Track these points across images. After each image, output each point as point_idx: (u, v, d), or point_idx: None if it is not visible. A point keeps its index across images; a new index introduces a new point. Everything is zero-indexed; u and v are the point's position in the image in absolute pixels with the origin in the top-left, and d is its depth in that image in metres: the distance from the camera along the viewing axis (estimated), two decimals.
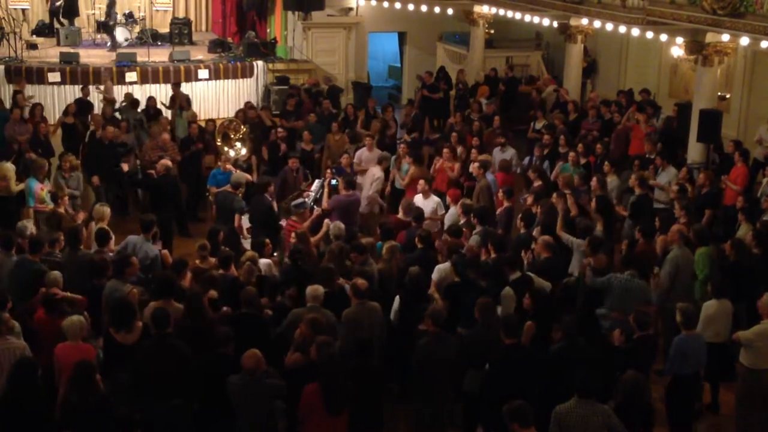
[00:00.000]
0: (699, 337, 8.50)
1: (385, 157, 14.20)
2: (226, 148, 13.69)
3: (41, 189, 12.08)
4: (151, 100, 17.55)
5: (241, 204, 12.00)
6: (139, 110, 16.93)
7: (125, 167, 13.82)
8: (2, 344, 7.59)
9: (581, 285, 9.78)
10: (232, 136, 13.81)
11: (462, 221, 11.38)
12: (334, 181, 12.43)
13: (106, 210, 11.07)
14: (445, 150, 14.05)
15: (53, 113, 17.94)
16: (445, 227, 11.50)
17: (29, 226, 10.32)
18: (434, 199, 12.41)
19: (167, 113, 17.22)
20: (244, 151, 13.88)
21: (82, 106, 16.90)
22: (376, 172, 13.77)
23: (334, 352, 7.42)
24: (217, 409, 7.49)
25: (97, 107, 17.30)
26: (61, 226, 10.62)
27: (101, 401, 6.95)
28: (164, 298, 8.40)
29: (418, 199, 12.33)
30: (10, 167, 12.86)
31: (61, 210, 11.38)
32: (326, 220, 11.28)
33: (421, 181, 12.66)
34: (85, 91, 17.53)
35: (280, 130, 15.18)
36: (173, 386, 7.33)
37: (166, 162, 13.10)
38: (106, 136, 14.22)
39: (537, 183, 12.79)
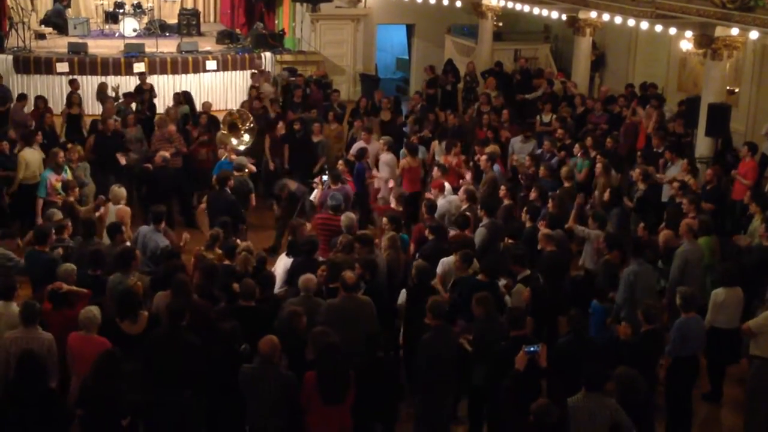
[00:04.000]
0: (698, 320, 8.62)
1: (391, 141, 14.14)
2: (232, 139, 13.67)
3: (56, 180, 12.09)
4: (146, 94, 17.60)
5: (249, 185, 12.18)
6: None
7: (122, 160, 13.77)
8: (31, 333, 7.63)
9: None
10: (240, 126, 13.77)
11: (464, 207, 11.43)
12: (325, 177, 12.40)
13: (122, 191, 11.13)
14: (455, 148, 14.01)
15: (61, 104, 17.89)
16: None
17: (56, 212, 10.35)
18: (446, 186, 12.40)
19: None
20: (247, 138, 13.85)
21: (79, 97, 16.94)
22: (386, 158, 13.70)
23: (333, 341, 7.42)
24: (226, 402, 7.52)
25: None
26: (74, 215, 10.66)
27: (118, 391, 7.01)
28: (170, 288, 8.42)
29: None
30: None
31: (71, 199, 11.39)
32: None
33: (435, 168, 12.76)
34: (75, 85, 17.53)
35: (296, 124, 15.13)
36: (183, 378, 7.36)
37: (164, 154, 13.12)
38: (108, 128, 14.31)
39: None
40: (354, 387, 7.31)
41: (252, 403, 7.31)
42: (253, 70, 20.31)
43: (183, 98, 17.12)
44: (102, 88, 17.32)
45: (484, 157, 13.07)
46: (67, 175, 12.31)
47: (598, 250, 10.25)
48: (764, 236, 10.20)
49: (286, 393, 7.21)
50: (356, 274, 8.73)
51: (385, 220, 10.59)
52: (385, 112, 16.80)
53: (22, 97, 16.32)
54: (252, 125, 13.89)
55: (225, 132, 13.84)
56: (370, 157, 14.09)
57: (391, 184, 13.28)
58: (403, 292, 9.01)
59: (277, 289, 9.35)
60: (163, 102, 18.38)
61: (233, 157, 13.20)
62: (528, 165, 13.13)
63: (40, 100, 16.22)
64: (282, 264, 9.76)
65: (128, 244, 9.87)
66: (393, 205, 11.58)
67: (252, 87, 18.16)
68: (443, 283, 9.40)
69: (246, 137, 13.74)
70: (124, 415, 7.17)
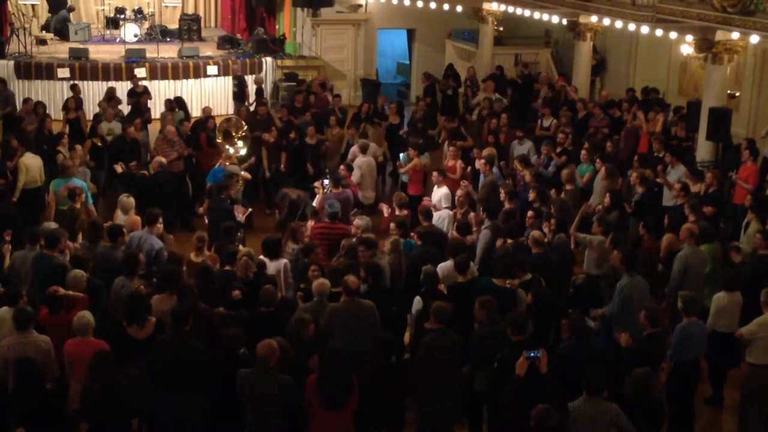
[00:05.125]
0: (700, 324, 8.61)
1: (367, 144, 14.12)
2: (226, 146, 13.71)
3: (65, 188, 12.02)
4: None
5: (237, 196, 12.16)
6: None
7: (119, 168, 13.75)
8: (27, 338, 7.63)
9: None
10: (234, 134, 13.83)
11: (463, 210, 11.50)
12: (326, 181, 12.39)
13: (131, 201, 11.11)
14: (451, 149, 14.06)
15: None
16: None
17: (52, 226, 10.34)
18: (444, 189, 12.42)
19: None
20: (243, 151, 13.91)
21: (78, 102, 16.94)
22: (360, 161, 13.72)
23: (337, 346, 7.42)
24: (228, 407, 7.52)
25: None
26: (76, 222, 10.66)
27: (121, 393, 7.02)
28: (168, 291, 8.44)
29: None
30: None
31: (78, 206, 11.37)
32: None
33: (435, 173, 12.78)
34: (77, 89, 17.57)
35: (293, 134, 15.14)
36: (187, 382, 7.37)
37: (160, 159, 13.11)
38: (128, 135, 14.31)
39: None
40: (357, 393, 7.29)
41: (250, 407, 7.29)
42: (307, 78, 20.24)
43: (176, 104, 17.14)
44: (111, 93, 17.34)
45: (482, 161, 13.11)
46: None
47: (603, 252, 10.25)
48: (761, 245, 10.20)
49: (283, 397, 7.19)
50: (359, 278, 8.72)
51: (392, 225, 10.59)
52: (393, 116, 16.86)
53: (26, 102, 16.34)
54: (245, 133, 13.97)
55: (220, 140, 13.92)
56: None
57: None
58: (417, 300, 8.97)
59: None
60: (158, 107, 18.39)
61: (227, 164, 13.24)
62: (520, 169, 13.11)
63: (39, 105, 16.23)
64: (273, 267, 9.68)
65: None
66: (390, 211, 11.58)
67: (311, 93, 18.13)
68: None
69: (240, 144, 13.82)
70: (131, 417, 7.19)
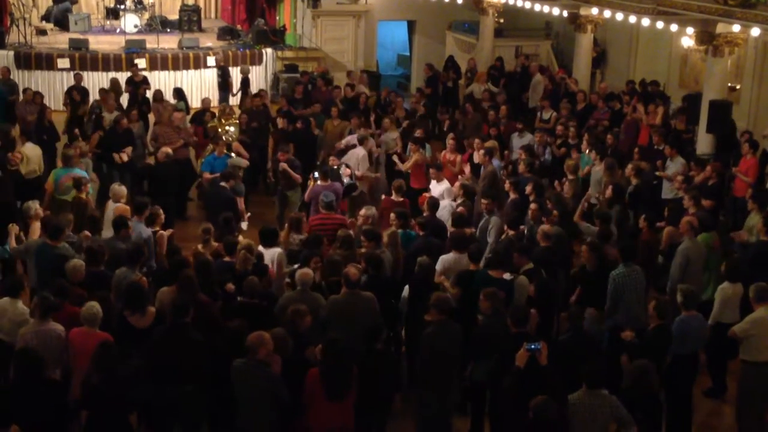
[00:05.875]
0: (699, 318, 8.58)
1: (365, 136, 14.18)
2: (218, 130, 13.87)
3: (67, 179, 12.01)
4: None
5: (240, 187, 12.11)
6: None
7: (124, 157, 13.74)
8: (46, 326, 7.69)
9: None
10: (223, 120, 13.97)
11: (459, 201, 11.51)
12: (317, 173, 12.40)
13: (123, 189, 11.12)
14: (450, 141, 14.07)
15: (62, 100, 17.91)
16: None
17: (33, 207, 10.35)
18: (445, 183, 12.43)
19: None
20: (232, 129, 14.01)
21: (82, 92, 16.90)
22: (359, 152, 13.72)
23: (338, 338, 7.44)
24: (227, 399, 7.53)
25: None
26: (84, 212, 10.69)
27: (122, 384, 7.03)
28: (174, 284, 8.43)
29: (432, 184, 12.53)
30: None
31: (83, 196, 11.37)
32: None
33: (432, 169, 12.76)
34: (78, 77, 17.55)
35: (298, 123, 15.14)
36: (185, 374, 7.38)
37: (167, 149, 13.07)
38: (121, 125, 14.27)
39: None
40: (357, 383, 7.31)
41: (240, 399, 7.29)
42: (348, 69, 20.27)
43: (176, 95, 17.15)
44: (113, 84, 17.32)
45: (480, 152, 13.11)
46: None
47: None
48: (763, 231, 10.21)
49: (271, 390, 7.16)
50: (359, 269, 8.73)
51: (392, 215, 10.60)
52: (400, 109, 16.84)
53: (26, 92, 16.34)
54: (235, 119, 14.07)
55: (213, 125, 14.12)
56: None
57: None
58: (405, 288, 8.99)
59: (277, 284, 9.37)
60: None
61: (224, 151, 13.26)
62: (524, 158, 13.13)
63: (37, 95, 16.20)
64: (268, 256, 9.68)
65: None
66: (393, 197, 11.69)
67: (347, 85, 18.09)
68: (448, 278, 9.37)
69: (230, 129, 13.98)
70: (130, 409, 7.20)
